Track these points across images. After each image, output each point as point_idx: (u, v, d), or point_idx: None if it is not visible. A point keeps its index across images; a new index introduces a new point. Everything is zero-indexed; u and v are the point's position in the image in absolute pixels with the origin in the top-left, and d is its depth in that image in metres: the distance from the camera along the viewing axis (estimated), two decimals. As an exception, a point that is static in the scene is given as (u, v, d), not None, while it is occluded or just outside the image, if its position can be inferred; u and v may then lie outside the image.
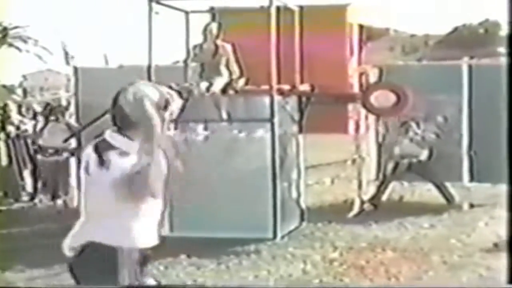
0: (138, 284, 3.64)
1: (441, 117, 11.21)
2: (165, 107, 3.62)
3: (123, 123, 3.60)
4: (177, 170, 3.63)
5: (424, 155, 11.12)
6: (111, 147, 3.55)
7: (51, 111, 12.52)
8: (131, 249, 3.58)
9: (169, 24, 10.64)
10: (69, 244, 3.68)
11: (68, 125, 11.79)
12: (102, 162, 3.53)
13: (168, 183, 3.64)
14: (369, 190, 11.21)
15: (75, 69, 12.58)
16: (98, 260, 3.57)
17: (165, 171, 3.64)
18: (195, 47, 9.93)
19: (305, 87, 10.04)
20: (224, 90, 9.48)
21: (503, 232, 7.53)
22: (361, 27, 11.58)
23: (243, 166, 9.20)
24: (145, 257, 3.68)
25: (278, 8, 9.40)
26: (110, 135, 3.60)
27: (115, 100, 3.63)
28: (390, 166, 11.25)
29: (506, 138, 7.59)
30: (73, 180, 11.29)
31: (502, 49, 23.33)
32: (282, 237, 9.14)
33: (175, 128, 9.29)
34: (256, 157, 9.24)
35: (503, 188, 8.91)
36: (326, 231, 9.54)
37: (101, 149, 3.56)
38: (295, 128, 9.90)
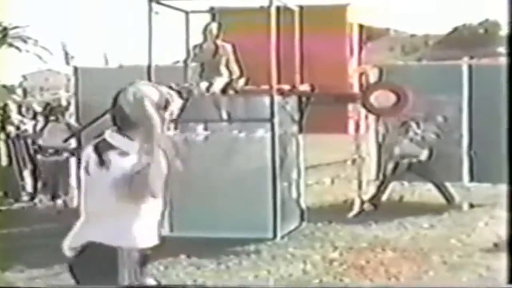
0: (138, 284, 3.64)
1: (441, 117, 11.21)
2: (165, 107, 3.61)
3: (123, 123, 3.60)
4: (177, 169, 3.64)
5: (424, 155, 11.12)
6: (111, 147, 3.55)
7: (51, 111, 12.51)
8: (130, 249, 3.58)
9: (169, 24, 10.65)
10: (69, 245, 3.68)
11: (68, 125, 11.79)
12: (102, 162, 3.53)
13: (168, 183, 3.65)
14: (369, 190, 11.21)
15: (75, 69, 12.58)
16: (98, 260, 3.57)
17: (165, 171, 3.64)
18: (195, 47, 9.93)
19: (305, 87, 10.04)
20: (224, 90, 9.48)
21: (503, 232, 7.54)
22: (361, 27, 11.60)
23: (243, 166, 9.20)
24: (145, 257, 3.68)
25: (278, 8, 9.39)
26: (110, 135, 3.60)
27: (115, 100, 3.63)
28: (390, 166, 11.25)
29: (506, 138, 7.60)
30: (73, 180, 11.29)
31: (502, 49, 23.33)
32: (282, 237, 9.14)
33: (175, 128, 9.30)
34: (256, 157, 9.24)
35: (503, 188, 8.92)
36: (326, 231, 9.54)
37: (101, 149, 3.56)
38: (295, 128, 9.90)
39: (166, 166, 3.65)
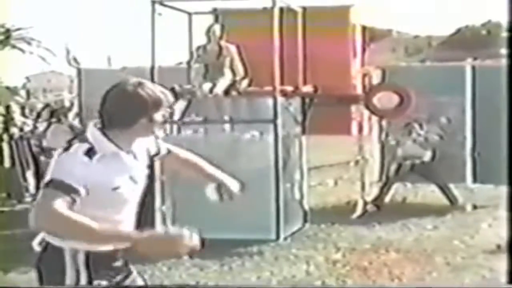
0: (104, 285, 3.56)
1: (444, 118, 11.20)
2: (159, 107, 3.47)
3: (111, 122, 3.49)
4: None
5: (427, 156, 11.11)
6: (84, 140, 3.44)
7: (52, 113, 12.52)
8: (75, 250, 3.47)
9: (172, 26, 10.64)
10: (38, 239, 3.62)
11: (71, 127, 11.79)
12: (66, 149, 3.42)
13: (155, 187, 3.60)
14: (372, 192, 11.20)
15: (78, 71, 12.61)
16: (51, 258, 3.52)
17: (141, 179, 3.58)
18: (198, 48, 9.92)
19: (308, 88, 10.04)
20: (227, 91, 9.48)
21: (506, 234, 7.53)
22: (364, 28, 11.58)
23: (246, 167, 9.17)
24: (103, 258, 3.55)
25: (281, 9, 9.38)
26: (91, 129, 3.49)
27: (104, 98, 3.51)
28: (393, 167, 11.25)
29: (507, 139, 7.60)
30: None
31: (505, 51, 23.28)
32: (285, 238, 9.14)
33: (178, 129, 9.31)
34: (259, 158, 9.23)
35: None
36: (329, 232, 9.54)
37: (78, 138, 3.47)
38: (298, 129, 9.90)
39: (144, 173, 3.58)
